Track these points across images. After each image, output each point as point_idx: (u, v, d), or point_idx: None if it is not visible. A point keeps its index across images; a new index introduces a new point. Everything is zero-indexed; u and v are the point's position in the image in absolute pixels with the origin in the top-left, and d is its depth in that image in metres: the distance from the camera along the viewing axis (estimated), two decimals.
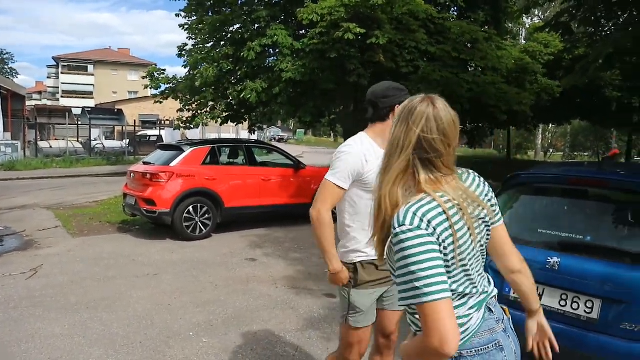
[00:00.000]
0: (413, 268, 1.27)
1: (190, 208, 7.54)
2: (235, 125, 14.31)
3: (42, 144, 24.30)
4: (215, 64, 11.59)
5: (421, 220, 1.31)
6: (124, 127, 29.05)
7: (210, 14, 12.80)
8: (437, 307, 1.25)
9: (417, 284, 1.27)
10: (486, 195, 1.53)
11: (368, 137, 2.39)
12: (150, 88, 14.32)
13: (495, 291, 1.56)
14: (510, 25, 17.07)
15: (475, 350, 1.42)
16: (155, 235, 7.84)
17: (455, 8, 13.64)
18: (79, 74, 61.48)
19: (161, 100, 13.98)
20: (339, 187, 2.30)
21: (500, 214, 1.59)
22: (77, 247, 6.97)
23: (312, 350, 3.78)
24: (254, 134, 15.92)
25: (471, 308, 1.44)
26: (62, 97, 60.55)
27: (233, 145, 9.23)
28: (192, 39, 13.49)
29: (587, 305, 2.68)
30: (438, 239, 1.31)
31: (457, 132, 1.44)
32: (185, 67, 13.22)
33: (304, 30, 11.22)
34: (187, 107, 13.58)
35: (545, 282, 2.80)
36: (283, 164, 9.37)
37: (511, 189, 3.50)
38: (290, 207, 8.51)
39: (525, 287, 1.66)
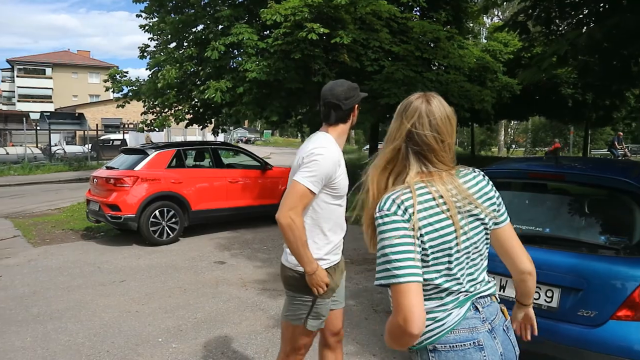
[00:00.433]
0: (386, 251, 1.36)
1: (157, 212, 7.42)
2: (202, 129, 14.12)
3: None
4: (178, 65, 11.43)
5: (398, 207, 1.39)
6: (86, 132, 28.26)
7: (172, 14, 12.60)
8: (404, 288, 1.32)
9: (388, 266, 1.35)
10: (486, 195, 1.55)
11: (333, 139, 2.33)
12: (113, 91, 13.99)
13: (490, 291, 1.56)
14: (471, 24, 17.44)
15: (450, 346, 1.44)
16: (120, 241, 7.67)
17: (418, 8, 13.86)
18: (36, 77, 59.40)
19: (124, 103, 13.67)
20: (311, 191, 2.19)
21: (505, 216, 1.60)
22: (38, 257, 6.75)
23: None
24: (217, 135, 15.72)
25: (449, 303, 1.45)
26: (18, 101, 58.39)
27: (199, 148, 9.14)
28: (155, 40, 13.27)
29: (547, 294, 2.78)
30: (413, 227, 1.37)
31: (452, 128, 1.50)
32: (147, 69, 12.98)
33: (268, 31, 11.18)
34: (150, 110, 13.33)
35: (508, 274, 2.88)
36: (250, 165, 9.35)
37: None
38: (258, 208, 8.49)
39: (529, 287, 1.69)
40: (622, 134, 24.07)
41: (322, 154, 2.21)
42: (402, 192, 1.42)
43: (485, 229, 1.52)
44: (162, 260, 6.51)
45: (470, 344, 1.44)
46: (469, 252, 1.48)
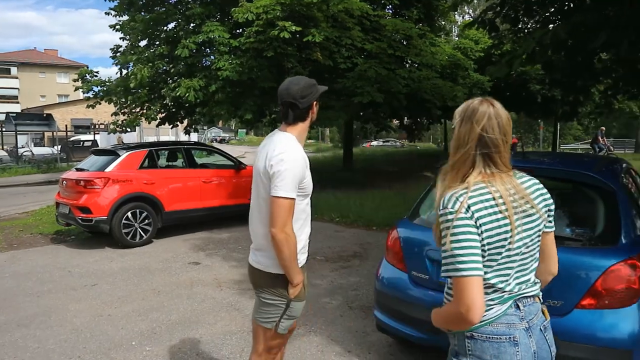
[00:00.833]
0: (452, 246, 1.46)
1: (129, 214, 7.29)
2: (172, 127, 13.93)
3: None
4: (150, 64, 11.26)
5: (461, 205, 1.48)
6: (55, 133, 27.56)
7: (142, 12, 12.40)
8: (468, 281, 1.43)
9: (453, 260, 1.46)
10: (542, 196, 1.62)
11: (295, 138, 2.29)
12: (83, 91, 13.67)
13: (534, 292, 1.64)
14: (443, 22, 17.68)
15: (486, 336, 1.53)
16: (92, 244, 7.52)
17: (390, 6, 13.98)
18: (0, 77, 57.57)
19: (95, 103, 13.38)
20: (293, 199, 2.16)
21: (553, 222, 1.68)
22: (5, 262, 6.56)
23: None
24: (189, 135, 15.56)
25: (494, 299, 1.54)
26: None
27: (171, 148, 9.02)
28: (126, 40, 13.01)
29: None
30: (476, 223, 1.46)
31: (510, 129, 1.58)
32: (116, 66, 12.73)
33: (240, 29, 11.11)
34: (121, 110, 13.10)
35: None
36: (224, 165, 9.28)
37: None
38: (233, 207, 8.43)
39: (545, 285, 1.79)
40: (604, 128, 24.66)
41: (291, 159, 2.16)
42: (464, 190, 1.50)
43: (538, 230, 1.60)
44: (135, 263, 6.41)
45: (505, 338, 1.53)
46: (520, 252, 1.55)
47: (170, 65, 11.79)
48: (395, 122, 19.43)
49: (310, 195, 2.39)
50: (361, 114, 13.96)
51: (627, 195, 3.23)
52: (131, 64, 11.98)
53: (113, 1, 12.84)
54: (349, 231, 8.11)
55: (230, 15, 10.31)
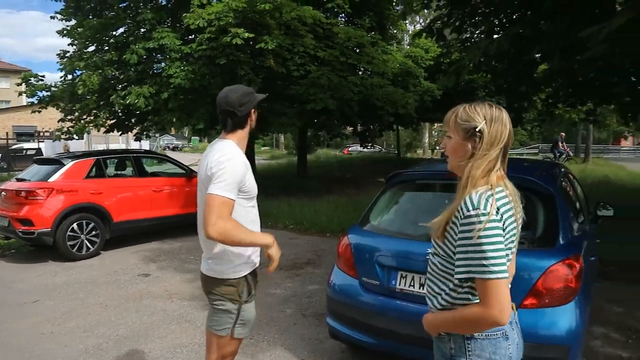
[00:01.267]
0: (484, 248, 1.45)
1: (75, 225, 7.00)
2: (120, 134, 13.50)
3: None
4: (100, 71, 10.89)
5: (494, 207, 1.48)
6: None
7: (90, 17, 11.97)
8: (501, 284, 1.45)
9: (484, 262, 1.45)
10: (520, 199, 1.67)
11: (235, 144, 2.34)
12: (27, 96, 13.03)
13: None
14: (394, 31, 18.05)
15: (485, 335, 1.58)
16: (34, 258, 7.17)
17: (343, 14, 14.14)
18: None
19: (40, 109, 12.78)
20: (231, 199, 2.16)
21: None
22: None
23: None
24: (140, 143, 15.14)
25: None
26: None
27: (120, 157, 8.73)
28: (74, 45, 12.50)
29: None
30: (503, 225, 1.49)
31: None
32: (62, 71, 12.21)
33: (192, 35, 10.94)
34: (68, 117, 12.58)
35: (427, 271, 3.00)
36: (175, 173, 9.09)
37: (393, 186, 3.72)
38: (185, 217, 8.22)
39: None
40: (564, 134, 25.84)
41: (230, 160, 2.20)
42: (490, 192, 1.51)
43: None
44: (81, 276, 6.16)
45: (500, 334, 1.59)
46: (512, 251, 1.60)
47: (120, 72, 11.44)
48: (349, 129, 19.63)
49: (255, 198, 2.42)
50: (315, 120, 14.02)
51: (565, 198, 3.39)
52: (78, 70, 11.56)
53: (59, 1, 12.36)
54: (303, 238, 8.11)
55: (182, 21, 10.14)
